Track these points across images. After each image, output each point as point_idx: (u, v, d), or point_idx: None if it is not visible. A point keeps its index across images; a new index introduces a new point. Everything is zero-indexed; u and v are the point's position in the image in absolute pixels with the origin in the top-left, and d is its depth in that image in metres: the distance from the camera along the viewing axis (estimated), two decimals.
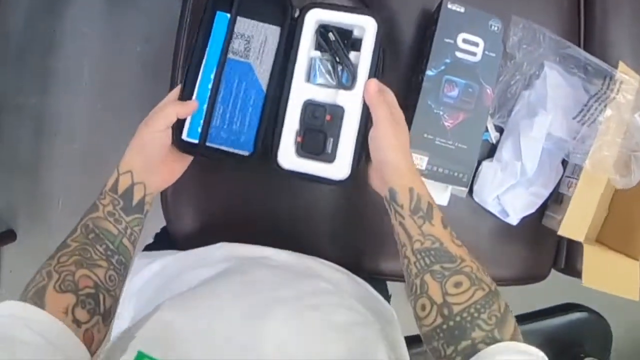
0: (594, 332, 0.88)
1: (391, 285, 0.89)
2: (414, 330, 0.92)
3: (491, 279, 0.55)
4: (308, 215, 0.81)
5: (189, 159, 0.67)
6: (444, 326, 0.52)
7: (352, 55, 0.65)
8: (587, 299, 0.96)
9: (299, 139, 0.64)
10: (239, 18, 0.65)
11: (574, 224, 0.69)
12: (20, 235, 1.53)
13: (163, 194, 0.81)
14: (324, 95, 0.64)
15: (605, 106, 0.65)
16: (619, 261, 0.74)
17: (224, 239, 0.76)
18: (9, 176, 1.52)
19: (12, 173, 1.52)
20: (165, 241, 0.84)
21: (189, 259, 0.75)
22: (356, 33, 0.65)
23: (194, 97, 0.64)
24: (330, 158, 0.64)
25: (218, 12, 0.65)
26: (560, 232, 0.69)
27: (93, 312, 0.51)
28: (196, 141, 0.64)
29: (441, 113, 0.72)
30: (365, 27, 0.64)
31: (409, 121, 0.72)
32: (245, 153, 0.66)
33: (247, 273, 0.65)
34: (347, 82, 0.64)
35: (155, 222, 0.85)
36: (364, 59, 0.64)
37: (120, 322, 0.70)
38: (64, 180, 1.51)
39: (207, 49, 0.65)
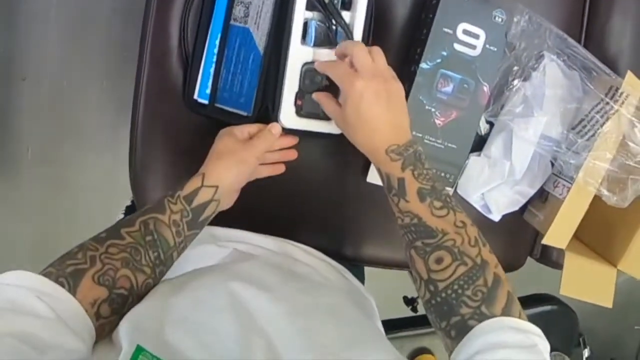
0: (561, 325, 0.90)
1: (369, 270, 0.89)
2: (388, 315, 0.95)
3: (479, 250, 0.53)
4: (286, 199, 0.79)
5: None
6: (433, 302, 0.53)
7: (344, 15, 0.67)
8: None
9: (299, 102, 0.67)
10: None
11: (558, 234, 0.68)
12: None
13: (131, 171, 0.77)
14: (321, 56, 0.66)
15: (606, 119, 0.61)
16: (597, 268, 0.74)
17: None
18: None
19: None
20: None
21: None
22: None
23: (202, 61, 0.70)
24: (328, 116, 0.67)
25: None
26: (544, 241, 0.68)
27: (116, 311, 0.49)
28: (206, 102, 0.70)
29: (433, 110, 0.68)
30: None
31: None
32: (245, 113, 0.71)
33: (234, 264, 0.65)
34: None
35: (126, 192, 0.81)
36: (357, 20, 0.66)
37: None
38: (32, 126, 1.44)
39: (213, 16, 0.69)
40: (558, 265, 0.89)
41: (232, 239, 0.72)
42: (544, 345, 0.48)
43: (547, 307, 0.89)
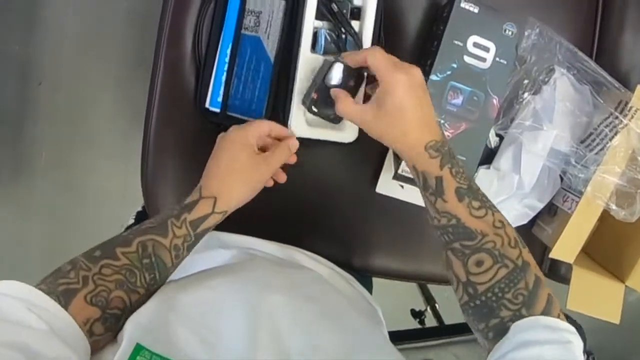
0: None
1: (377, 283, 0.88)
2: (396, 327, 0.94)
3: (520, 251, 0.52)
4: (295, 207, 0.79)
5: (262, 183, 0.64)
6: (472, 304, 0.52)
7: (353, 24, 0.68)
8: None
9: (314, 95, 0.63)
10: None
11: (566, 248, 0.68)
12: (3, 185, 1.50)
13: (143, 177, 0.78)
14: None
15: (616, 133, 0.61)
16: (605, 284, 0.73)
17: None
18: None
19: None
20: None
21: None
22: (355, 2, 0.68)
23: (213, 70, 0.70)
24: (340, 126, 0.69)
25: None
26: (551, 255, 0.68)
27: (110, 329, 0.48)
28: (218, 110, 0.71)
29: (442, 121, 0.68)
30: None
31: None
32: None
33: (240, 264, 0.64)
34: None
35: (138, 199, 0.82)
36: (366, 29, 0.67)
37: None
38: (47, 131, 1.46)
39: (224, 26, 0.70)
40: (566, 281, 0.88)
41: (239, 244, 0.72)
42: (578, 343, 0.47)
43: None
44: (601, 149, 0.63)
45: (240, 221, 0.75)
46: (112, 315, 0.48)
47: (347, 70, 0.62)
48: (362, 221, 0.81)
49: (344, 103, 0.60)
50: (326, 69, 0.62)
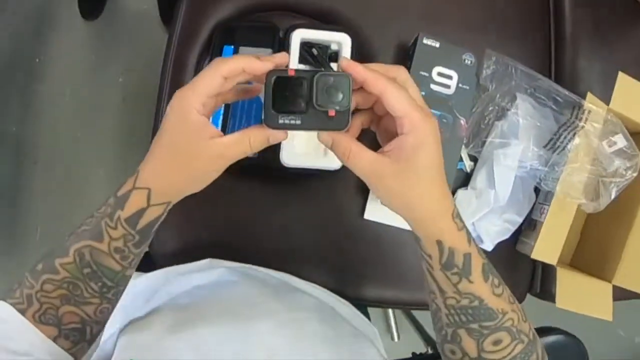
0: (570, 355, 0.89)
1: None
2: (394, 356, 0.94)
3: (529, 324, 0.50)
4: (292, 238, 0.82)
5: (223, 161, 0.47)
6: None
7: (332, 65, 0.76)
8: (563, 324, 0.98)
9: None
10: (240, 48, 0.77)
11: (546, 247, 0.71)
12: None
13: None
14: None
15: (574, 134, 0.68)
16: (592, 283, 0.76)
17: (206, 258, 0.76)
18: None
19: None
20: (147, 258, 0.84)
21: (177, 269, 0.74)
22: (332, 47, 0.76)
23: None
24: (326, 153, 0.74)
25: (225, 46, 0.77)
26: (533, 256, 0.72)
27: (78, 341, 0.47)
28: None
29: None
30: (342, 41, 0.75)
31: None
32: (251, 154, 0.74)
33: (237, 285, 0.65)
34: None
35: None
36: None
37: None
38: (42, 208, 1.49)
39: None
40: None
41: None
42: None
43: (555, 338, 0.88)
44: (562, 150, 0.69)
45: (233, 252, 0.78)
46: (72, 330, 0.46)
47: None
48: (353, 250, 0.83)
49: (359, 152, 0.45)
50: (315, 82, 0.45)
